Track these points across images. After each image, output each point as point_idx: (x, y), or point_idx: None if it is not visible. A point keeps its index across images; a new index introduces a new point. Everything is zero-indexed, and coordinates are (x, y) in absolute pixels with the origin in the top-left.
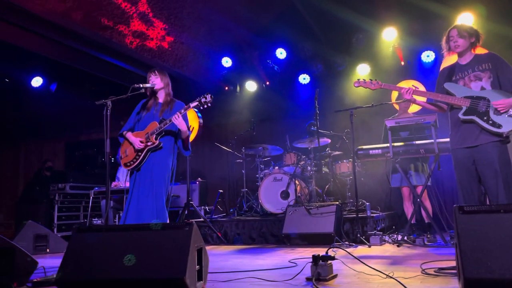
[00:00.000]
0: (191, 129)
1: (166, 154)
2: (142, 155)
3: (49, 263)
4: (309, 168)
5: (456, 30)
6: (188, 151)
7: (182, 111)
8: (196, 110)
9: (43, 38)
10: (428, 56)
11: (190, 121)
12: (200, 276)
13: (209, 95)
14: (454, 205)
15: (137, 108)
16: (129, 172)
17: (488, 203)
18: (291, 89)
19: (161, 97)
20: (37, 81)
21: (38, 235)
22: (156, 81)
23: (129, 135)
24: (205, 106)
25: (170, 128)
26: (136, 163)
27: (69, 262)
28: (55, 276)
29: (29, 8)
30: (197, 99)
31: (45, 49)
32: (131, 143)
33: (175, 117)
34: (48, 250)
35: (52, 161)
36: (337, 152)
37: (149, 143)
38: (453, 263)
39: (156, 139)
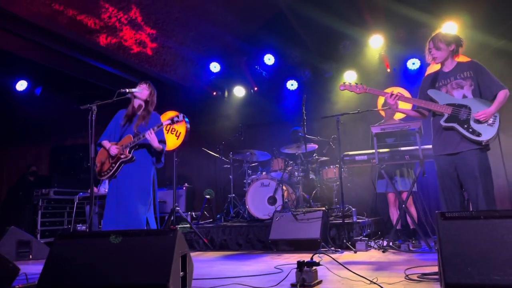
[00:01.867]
0: (177, 134)
1: (142, 165)
2: (116, 166)
3: (32, 269)
4: (296, 173)
5: (432, 42)
6: (160, 164)
7: (156, 128)
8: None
9: (28, 42)
10: (413, 64)
11: (177, 126)
12: (184, 282)
13: (182, 115)
14: (436, 211)
15: (115, 117)
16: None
17: (470, 209)
18: (279, 95)
19: (138, 107)
20: (21, 85)
21: (21, 241)
22: (144, 92)
23: (106, 143)
24: (176, 123)
25: (144, 141)
26: (110, 173)
27: (51, 268)
28: (37, 282)
29: (15, 11)
30: (169, 118)
31: (30, 52)
32: (107, 150)
33: (148, 133)
34: (31, 257)
35: (37, 166)
36: (324, 158)
37: (122, 156)
38: (436, 269)
39: (129, 152)
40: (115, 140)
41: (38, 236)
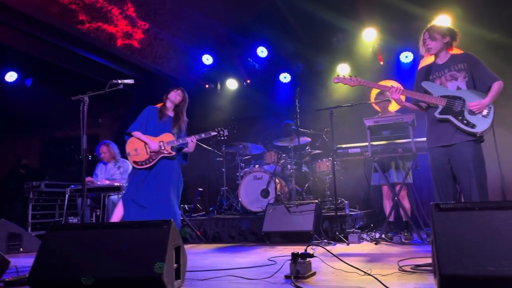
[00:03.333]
0: None
1: (176, 164)
2: (156, 159)
3: (22, 262)
4: (289, 166)
5: (428, 33)
6: (186, 162)
7: (203, 135)
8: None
9: (18, 32)
10: (406, 57)
11: None
12: (178, 274)
13: (226, 130)
14: (431, 203)
15: (146, 112)
16: (104, 169)
17: (462, 201)
18: (272, 87)
19: (171, 111)
20: (11, 76)
21: (11, 234)
22: (178, 98)
23: (141, 135)
24: (221, 138)
25: (183, 144)
26: (149, 165)
27: (43, 261)
28: (28, 275)
29: (4, 1)
30: (216, 130)
31: (20, 43)
32: (144, 143)
33: (192, 139)
34: (21, 249)
35: (27, 159)
36: (317, 151)
37: (165, 152)
38: (429, 260)
39: (172, 149)
40: (149, 134)
41: (29, 229)
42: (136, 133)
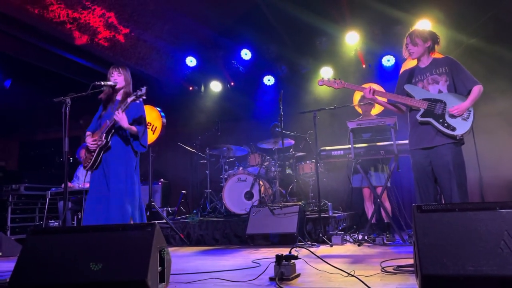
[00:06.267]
0: (153, 128)
1: (121, 152)
2: (95, 155)
3: (2, 267)
4: (273, 168)
5: (409, 38)
6: (138, 147)
7: (123, 107)
8: (159, 109)
9: None
10: (388, 61)
11: (153, 120)
12: (162, 277)
13: (144, 87)
14: (413, 204)
15: (100, 108)
16: (87, 172)
17: (443, 202)
18: (256, 90)
19: (119, 95)
20: None
21: None
22: (118, 79)
23: (88, 134)
24: (141, 99)
25: (119, 125)
26: (91, 163)
27: (24, 265)
28: (8, 280)
29: None
30: (133, 94)
31: None
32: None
33: (116, 114)
34: (1, 254)
35: (5, 161)
36: (300, 153)
37: (99, 142)
38: (411, 261)
39: (106, 138)
40: (98, 129)
41: (8, 232)
42: (86, 134)
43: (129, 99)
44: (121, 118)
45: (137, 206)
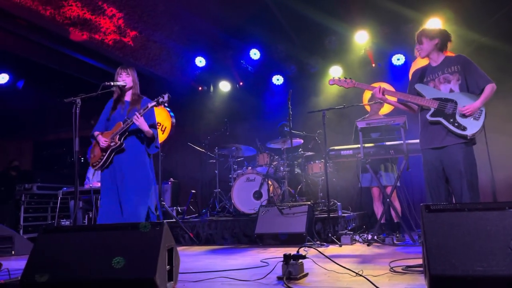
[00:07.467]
0: (163, 128)
1: (136, 153)
2: (106, 155)
3: (14, 265)
4: (282, 168)
5: (417, 37)
6: (152, 149)
7: (142, 111)
8: (168, 109)
9: (9, 34)
10: (398, 60)
11: (163, 120)
12: (170, 276)
13: (167, 94)
14: (421, 204)
15: (106, 107)
16: (95, 172)
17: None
18: (265, 89)
19: (128, 96)
20: (3, 78)
21: (3, 237)
22: (127, 80)
23: (97, 133)
24: (163, 105)
25: (134, 127)
26: (101, 163)
27: (35, 263)
28: (20, 278)
29: None
30: (155, 100)
31: (12, 45)
32: (97, 141)
33: (135, 118)
34: (13, 252)
35: (19, 161)
36: (309, 153)
37: (112, 144)
38: (420, 261)
39: (120, 139)
40: (109, 130)
41: (21, 231)
42: (95, 134)
43: (150, 104)
44: (142, 122)
45: (153, 206)
